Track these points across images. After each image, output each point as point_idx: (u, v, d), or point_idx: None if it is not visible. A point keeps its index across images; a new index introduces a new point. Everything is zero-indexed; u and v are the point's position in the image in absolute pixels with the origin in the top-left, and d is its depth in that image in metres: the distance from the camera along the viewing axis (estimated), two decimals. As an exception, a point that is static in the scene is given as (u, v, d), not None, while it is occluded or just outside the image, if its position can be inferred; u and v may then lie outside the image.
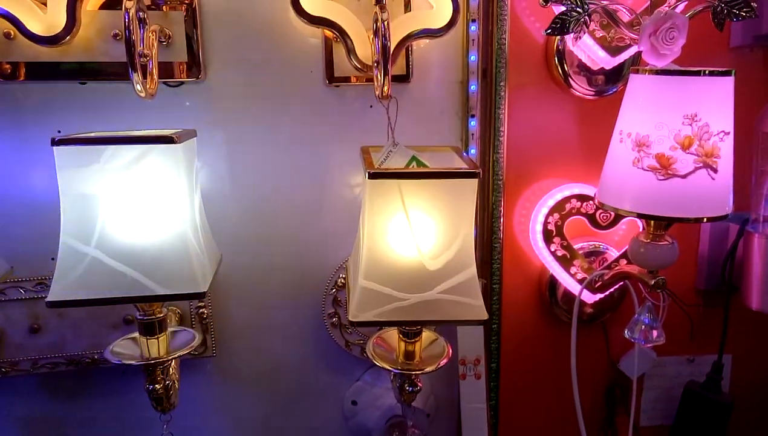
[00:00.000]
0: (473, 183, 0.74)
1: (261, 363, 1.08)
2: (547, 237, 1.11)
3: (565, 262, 1.12)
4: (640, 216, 0.87)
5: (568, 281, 1.12)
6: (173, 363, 0.84)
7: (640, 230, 1.13)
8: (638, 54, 1.08)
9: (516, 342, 1.18)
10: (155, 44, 0.82)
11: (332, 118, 1.02)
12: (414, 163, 0.84)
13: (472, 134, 1.08)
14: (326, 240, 1.04)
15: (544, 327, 1.20)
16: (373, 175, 0.72)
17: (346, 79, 1.00)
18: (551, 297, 1.17)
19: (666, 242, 0.91)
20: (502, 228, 1.11)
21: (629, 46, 1.05)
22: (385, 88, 0.84)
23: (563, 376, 1.11)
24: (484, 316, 0.78)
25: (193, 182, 0.79)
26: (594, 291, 1.11)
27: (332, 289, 1.05)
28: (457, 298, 0.77)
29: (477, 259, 1.12)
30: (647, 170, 0.84)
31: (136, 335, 0.81)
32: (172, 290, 0.71)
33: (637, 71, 0.87)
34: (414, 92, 1.04)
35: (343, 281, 1.05)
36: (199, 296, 0.72)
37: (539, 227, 1.10)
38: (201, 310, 1.00)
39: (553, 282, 1.16)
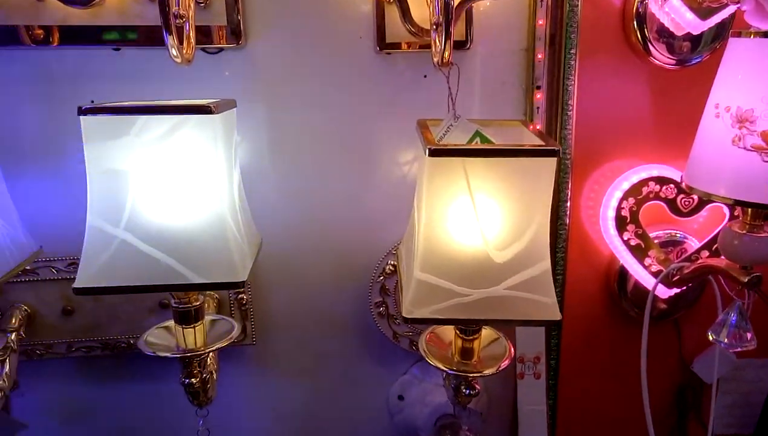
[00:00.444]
0: (551, 163, 0.64)
1: (303, 353, 1.01)
2: (620, 224, 0.99)
3: (639, 252, 1.00)
4: (737, 203, 0.75)
5: (641, 274, 1.01)
6: (211, 355, 0.78)
7: (726, 218, 1.01)
8: (730, 17, 0.95)
9: (579, 338, 1.08)
10: (192, 5, 0.74)
11: (382, 89, 0.92)
12: (478, 140, 0.74)
13: (537, 108, 0.97)
14: (374, 223, 0.96)
15: (610, 323, 1.09)
16: (434, 152, 0.63)
17: (398, 46, 0.90)
18: (620, 290, 1.06)
19: (765, 234, 0.79)
20: (568, 213, 1.01)
21: (723, 6, 0.91)
22: (446, 53, 0.74)
23: (629, 376, 1.01)
24: (558, 316, 0.68)
25: (232, 158, 0.71)
26: (670, 285, 0.99)
27: (380, 276, 0.96)
28: (528, 295, 0.67)
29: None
30: (750, 150, 0.72)
31: (171, 323, 0.74)
32: (208, 278, 0.64)
33: (738, 34, 0.74)
34: (473, 61, 0.94)
35: (392, 268, 0.96)
36: (238, 285, 0.65)
37: (611, 213, 0.99)
38: (240, 296, 0.94)
39: (623, 274, 1.05)
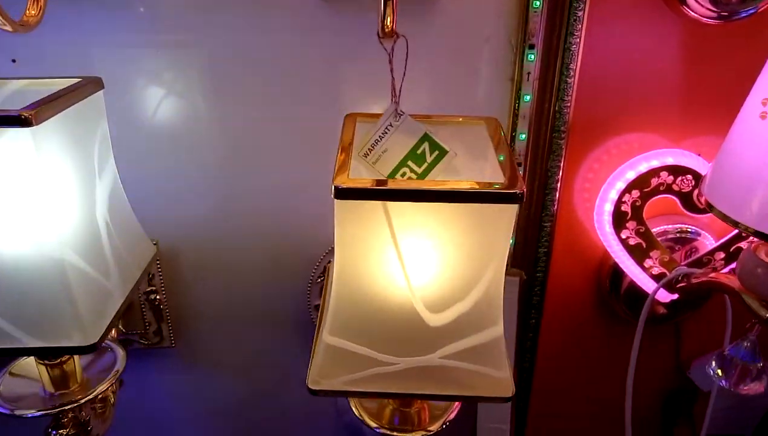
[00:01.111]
0: (511, 210, 0.45)
1: (236, 351, 0.88)
2: (618, 221, 0.81)
3: (639, 253, 0.82)
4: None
5: (639, 277, 0.84)
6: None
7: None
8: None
9: (558, 341, 0.93)
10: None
11: (326, 48, 0.71)
12: (426, 146, 0.55)
13: (529, 73, 0.75)
14: (316, 215, 0.78)
15: (598, 325, 0.93)
16: (343, 193, 0.44)
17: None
18: (612, 289, 0.89)
19: (800, 270, 0.61)
20: (556, 201, 0.82)
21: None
22: (388, 20, 0.52)
23: (613, 381, 0.88)
24: (509, 392, 0.52)
25: (92, 164, 0.53)
26: (672, 291, 0.83)
27: (320, 277, 0.80)
28: (472, 366, 0.51)
29: (521, 239, 0.85)
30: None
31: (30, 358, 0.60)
32: (45, 340, 0.48)
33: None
34: (446, 10, 0.71)
35: None
36: (87, 350, 0.49)
37: (609, 207, 0.80)
38: (153, 296, 0.79)
39: (617, 271, 0.87)
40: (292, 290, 0.82)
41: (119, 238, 0.56)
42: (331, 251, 0.79)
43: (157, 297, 0.79)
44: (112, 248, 0.55)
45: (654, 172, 0.78)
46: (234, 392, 0.91)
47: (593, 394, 0.98)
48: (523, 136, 0.78)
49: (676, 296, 0.84)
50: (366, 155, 0.54)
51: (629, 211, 0.80)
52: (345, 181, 0.44)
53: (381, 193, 0.44)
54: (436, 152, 0.54)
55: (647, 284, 0.84)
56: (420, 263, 0.48)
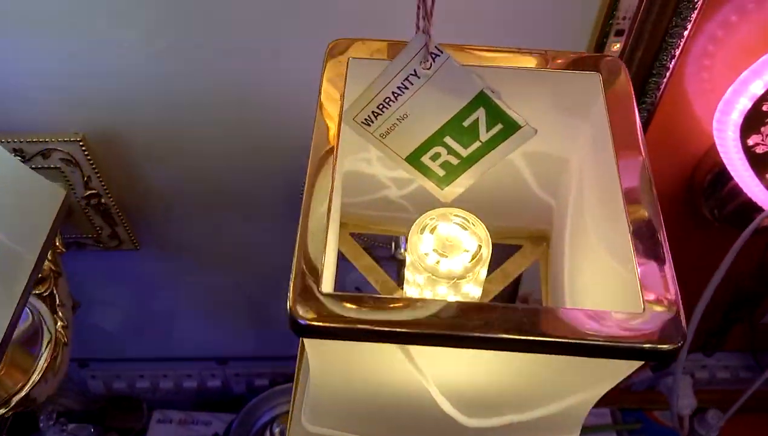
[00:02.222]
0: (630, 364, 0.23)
1: (221, 243, 0.72)
2: (750, 124, 0.55)
3: (763, 165, 0.58)
4: None
5: (755, 191, 0.61)
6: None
7: None
8: None
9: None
10: None
11: None
12: (481, 117, 0.29)
13: None
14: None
15: (679, 221, 0.73)
16: (308, 331, 0.22)
17: None
18: (709, 189, 0.67)
19: None
20: (664, 83, 0.55)
21: None
22: None
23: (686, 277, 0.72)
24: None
25: None
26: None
27: None
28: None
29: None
30: None
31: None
32: None
33: None
34: None
35: None
36: None
37: (741, 105, 0.54)
38: (93, 201, 0.59)
39: (721, 173, 0.64)
40: (273, 180, 0.62)
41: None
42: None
43: (102, 201, 0.60)
44: None
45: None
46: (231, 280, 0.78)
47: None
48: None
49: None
50: (368, 122, 0.30)
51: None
52: (313, 310, 0.22)
53: (392, 335, 0.22)
54: (499, 126, 0.29)
55: (762, 199, 0.62)
56: (462, 390, 0.28)
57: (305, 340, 0.24)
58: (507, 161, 0.31)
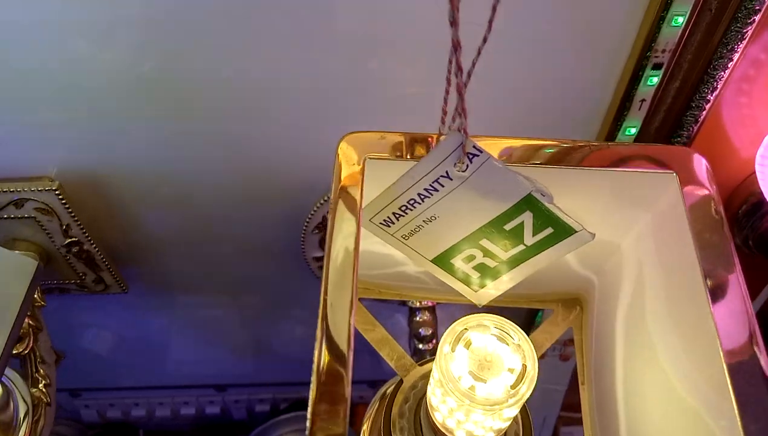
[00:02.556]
0: None
1: (212, 284, 0.67)
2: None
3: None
4: None
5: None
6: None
7: None
8: None
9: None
10: None
11: None
12: (527, 220, 0.24)
13: None
14: (309, 137, 0.48)
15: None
16: None
17: None
18: (744, 219, 0.63)
19: None
20: (706, 112, 0.50)
21: None
22: None
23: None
24: None
25: None
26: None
27: (315, 229, 0.54)
28: None
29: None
30: None
31: None
32: None
33: None
34: None
35: None
36: None
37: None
38: (75, 249, 0.54)
39: (759, 203, 0.60)
40: (269, 214, 0.57)
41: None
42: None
43: (84, 248, 0.54)
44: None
45: None
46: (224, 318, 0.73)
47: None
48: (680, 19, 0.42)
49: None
50: (387, 223, 0.25)
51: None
52: None
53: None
54: (549, 230, 0.24)
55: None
56: None
57: None
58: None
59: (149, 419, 0.92)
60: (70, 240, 0.53)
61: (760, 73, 0.49)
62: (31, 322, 0.53)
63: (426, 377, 0.38)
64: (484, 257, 0.26)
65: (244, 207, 0.55)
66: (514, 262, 0.26)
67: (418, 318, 0.54)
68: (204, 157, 0.51)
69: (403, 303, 0.57)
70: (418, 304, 0.54)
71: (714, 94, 0.48)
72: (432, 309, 0.55)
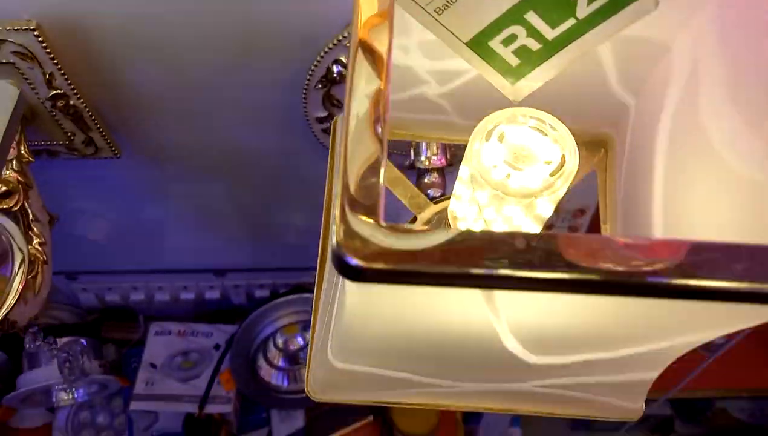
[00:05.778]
0: None
1: (208, 154, 0.64)
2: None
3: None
4: None
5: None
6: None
7: None
8: None
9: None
10: None
11: None
12: (575, 9, 0.21)
13: None
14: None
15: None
16: (366, 275, 0.15)
17: None
18: None
19: None
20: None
21: None
22: None
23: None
24: (636, 417, 0.33)
25: None
26: None
27: (318, 84, 0.51)
28: (585, 396, 0.31)
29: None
30: None
31: None
32: None
33: None
34: None
35: (338, 74, 0.49)
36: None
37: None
38: (60, 102, 0.51)
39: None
40: (272, 74, 0.54)
41: None
42: (340, 44, 0.48)
43: (71, 103, 0.51)
44: None
45: None
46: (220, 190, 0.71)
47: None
48: None
49: None
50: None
51: None
52: (363, 248, 0.15)
53: (484, 279, 0.15)
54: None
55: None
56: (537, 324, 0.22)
57: (350, 283, 0.17)
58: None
59: (149, 304, 0.92)
60: (54, 92, 0.50)
61: None
62: (20, 178, 0.51)
63: (441, 211, 0.36)
64: (527, 36, 0.23)
65: (238, 63, 0.51)
66: (561, 42, 0.23)
67: (426, 180, 0.52)
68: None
69: (412, 167, 0.55)
70: (427, 163, 0.52)
71: None
72: (441, 170, 0.53)
